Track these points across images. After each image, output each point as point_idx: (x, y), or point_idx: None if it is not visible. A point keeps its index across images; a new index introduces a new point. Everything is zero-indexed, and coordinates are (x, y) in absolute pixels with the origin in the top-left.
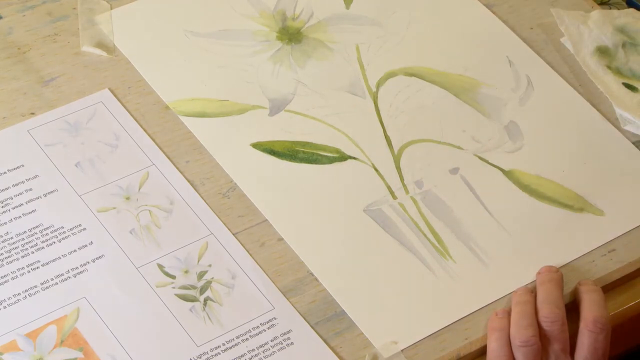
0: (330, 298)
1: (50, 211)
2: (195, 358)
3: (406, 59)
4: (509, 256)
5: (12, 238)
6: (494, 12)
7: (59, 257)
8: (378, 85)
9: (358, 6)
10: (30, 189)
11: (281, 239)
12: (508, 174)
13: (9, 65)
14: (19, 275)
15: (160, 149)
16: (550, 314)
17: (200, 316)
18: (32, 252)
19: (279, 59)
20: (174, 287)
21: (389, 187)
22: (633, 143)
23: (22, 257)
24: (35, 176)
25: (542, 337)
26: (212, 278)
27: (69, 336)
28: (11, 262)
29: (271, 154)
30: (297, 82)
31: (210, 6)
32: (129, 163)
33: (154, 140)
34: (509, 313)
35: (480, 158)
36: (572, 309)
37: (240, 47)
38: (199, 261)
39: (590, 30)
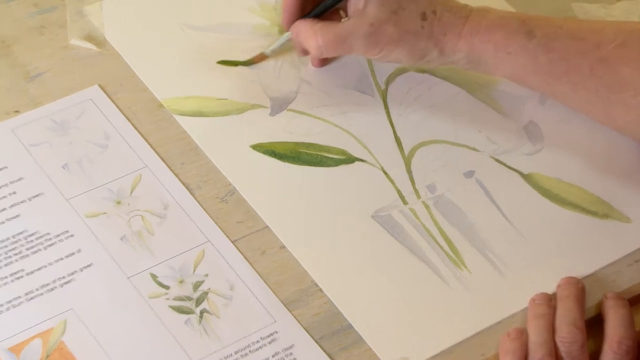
0: (335, 310)
1: (36, 216)
2: None
3: None
4: (528, 266)
5: None
6: (510, 5)
7: (45, 266)
8: (387, 82)
9: None
10: (14, 193)
11: (283, 247)
12: (527, 177)
13: None
14: (1, 285)
15: (154, 149)
16: (568, 334)
17: (196, 329)
18: (16, 260)
19: (281, 55)
20: (167, 298)
21: (399, 192)
22: None
23: (5, 265)
24: (20, 178)
25: (560, 358)
26: (209, 289)
27: (55, 350)
28: None
29: (272, 156)
30: (300, 79)
31: None
32: (120, 165)
33: (146, 140)
34: (522, 333)
35: (497, 160)
36: (598, 322)
37: (240, 42)
38: (194, 270)
39: None
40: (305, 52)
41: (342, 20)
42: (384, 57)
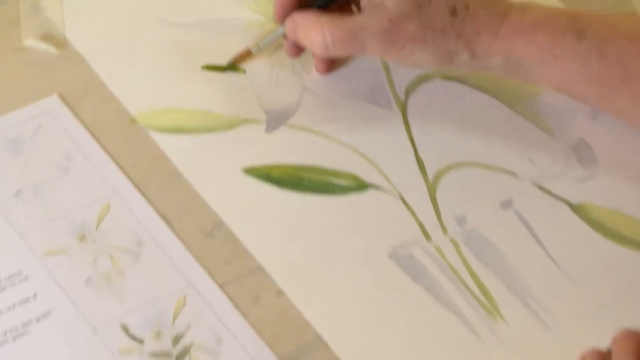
0: None
1: None
2: None
3: None
4: (578, 316)
5: None
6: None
7: None
8: (408, 93)
9: None
10: None
11: (280, 292)
12: (576, 208)
13: None
14: None
15: (125, 173)
16: None
17: None
18: None
19: (279, 59)
20: (142, 354)
21: (421, 225)
22: None
23: None
24: None
25: None
26: (192, 343)
27: None
28: None
29: (268, 182)
30: (302, 88)
31: None
32: (84, 192)
33: (116, 162)
34: None
35: (541, 188)
36: None
37: (229, 42)
38: (174, 320)
39: None
40: (296, 53)
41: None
42: (404, 59)
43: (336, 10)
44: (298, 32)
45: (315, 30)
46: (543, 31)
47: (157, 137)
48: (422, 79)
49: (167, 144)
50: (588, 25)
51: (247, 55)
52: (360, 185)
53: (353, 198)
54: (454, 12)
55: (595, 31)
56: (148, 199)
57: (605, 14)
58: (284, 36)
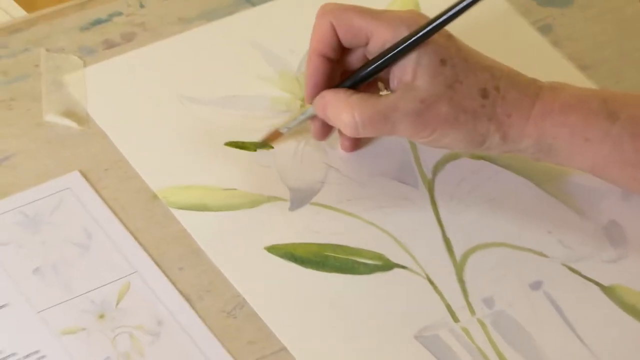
0: None
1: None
2: None
3: None
4: None
5: None
6: (589, 77)
7: None
8: (435, 171)
9: None
10: None
11: None
12: (608, 290)
13: None
14: None
15: (146, 251)
16: None
17: None
18: None
19: (304, 136)
20: None
21: (448, 306)
22: None
23: None
24: None
25: None
26: None
27: None
28: None
29: (292, 261)
30: (327, 166)
31: (213, 64)
32: (104, 270)
33: (137, 239)
34: None
35: (571, 269)
36: None
37: (253, 119)
38: None
39: None
40: (323, 135)
41: (382, 93)
42: (435, 142)
43: (365, 90)
44: (327, 110)
45: (345, 111)
46: (575, 113)
47: (178, 214)
48: (450, 158)
49: (189, 221)
50: (620, 107)
51: (276, 136)
52: (386, 265)
53: (379, 278)
54: (484, 93)
55: (628, 112)
56: (169, 277)
57: (638, 94)
58: (312, 118)
